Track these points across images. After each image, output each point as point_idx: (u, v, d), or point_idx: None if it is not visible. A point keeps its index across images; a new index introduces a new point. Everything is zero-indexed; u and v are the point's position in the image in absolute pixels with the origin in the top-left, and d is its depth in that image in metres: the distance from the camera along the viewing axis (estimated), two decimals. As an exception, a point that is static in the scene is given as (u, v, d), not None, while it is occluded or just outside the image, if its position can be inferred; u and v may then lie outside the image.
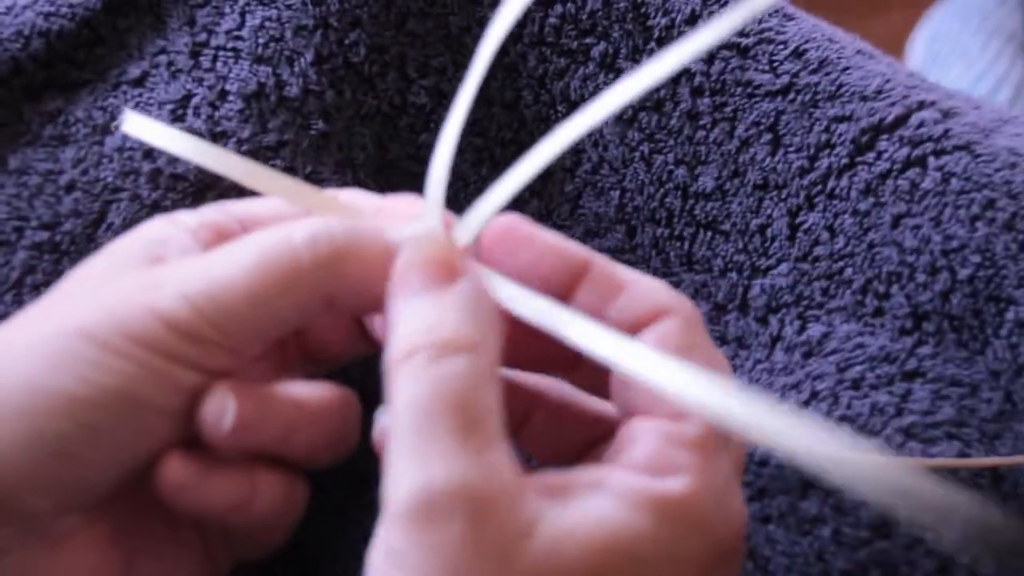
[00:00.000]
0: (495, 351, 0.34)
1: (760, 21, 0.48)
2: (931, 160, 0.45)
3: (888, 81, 0.47)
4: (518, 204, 0.49)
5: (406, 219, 0.38)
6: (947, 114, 0.46)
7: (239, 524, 0.38)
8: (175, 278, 0.35)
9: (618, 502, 0.33)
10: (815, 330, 0.45)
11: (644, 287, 0.36)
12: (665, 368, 0.32)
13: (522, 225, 0.37)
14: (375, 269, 0.36)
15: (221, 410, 0.35)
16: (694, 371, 0.32)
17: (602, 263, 0.37)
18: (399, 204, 0.39)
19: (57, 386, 0.34)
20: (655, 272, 0.48)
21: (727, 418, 0.31)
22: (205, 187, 0.44)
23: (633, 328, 0.36)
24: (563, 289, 0.37)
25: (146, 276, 0.36)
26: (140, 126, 0.39)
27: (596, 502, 0.33)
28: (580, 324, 0.34)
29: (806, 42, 0.47)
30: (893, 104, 0.46)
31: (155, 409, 0.35)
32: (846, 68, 0.47)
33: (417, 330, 0.34)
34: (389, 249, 0.36)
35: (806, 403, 0.43)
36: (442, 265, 0.35)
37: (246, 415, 0.36)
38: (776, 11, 0.48)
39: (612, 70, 0.48)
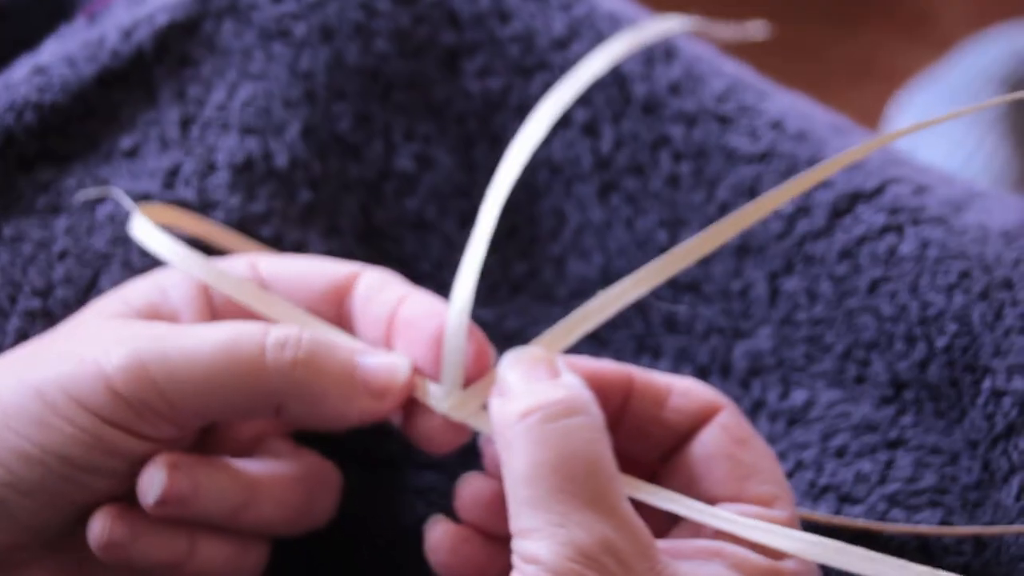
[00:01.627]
0: (602, 416, 0.35)
1: (739, 93, 0.47)
2: (908, 228, 0.44)
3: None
4: (504, 266, 0.47)
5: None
6: (920, 189, 0.45)
7: None
8: (139, 339, 0.36)
9: (739, 573, 0.34)
10: (798, 396, 0.44)
11: (685, 386, 0.38)
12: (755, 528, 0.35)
13: (559, 358, 0.38)
14: (333, 386, 0.37)
15: (149, 484, 0.36)
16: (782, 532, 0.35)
17: (640, 374, 0.39)
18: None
19: (3, 439, 0.35)
20: (637, 336, 0.46)
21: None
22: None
23: (694, 424, 0.38)
24: (616, 407, 0.38)
25: (114, 331, 0.36)
26: (146, 232, 0.40)
27: (718, 569, 0.34)
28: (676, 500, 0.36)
29: (783, 116, 0.47)
30: (870, 175, 0.45)
31: (92, 470, 0.36)
32: (822, 139, 0.46)
33: (531, 394, 0.35)
34: (353, 371, 0.37)
35: (791, 473, 0.42)
36: (548, 363, 0.36)
37: (176, 491, 0.36)
38: (752, 88, 0.48)
39: (594, 135, 0.48)
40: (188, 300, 0.39)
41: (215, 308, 0.39)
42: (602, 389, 0.37)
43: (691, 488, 0.37)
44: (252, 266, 0.40)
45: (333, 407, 0.37)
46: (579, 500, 0.33)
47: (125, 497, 0.37)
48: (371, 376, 0.37)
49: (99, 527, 0.36)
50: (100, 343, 0.36)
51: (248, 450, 0.40)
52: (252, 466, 0.38)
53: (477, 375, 0.37)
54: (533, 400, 0.34)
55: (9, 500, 0.35)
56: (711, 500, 0.36)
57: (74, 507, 0.36)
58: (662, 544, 0.35)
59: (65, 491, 0.36)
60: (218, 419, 0.38)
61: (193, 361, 0.35)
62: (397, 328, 0.38)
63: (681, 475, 0.37)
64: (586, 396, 0.35)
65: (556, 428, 0.34)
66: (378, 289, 0.39)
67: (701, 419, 0.38)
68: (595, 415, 0.35)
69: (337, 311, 0.39)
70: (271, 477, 0.38)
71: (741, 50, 0.52)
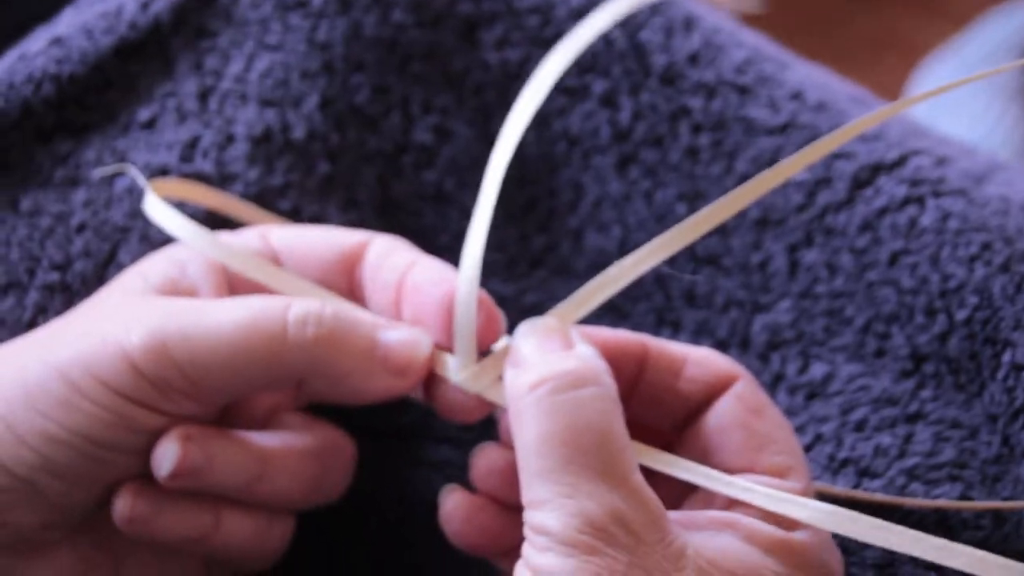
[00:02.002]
0: (615, 386, 0.35)
1: (758, 64, 0.47)
2: (929, 200, 0.43)
3: (885, 126, 0.45)
4: (523, 240, 0.47)
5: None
6: (941, 161, 0.45)
7: (203, 553, 0.38)
8: (159, 316, 0.36)
9: (750, 544, 0.34)
10: (818, 370, 0.44)
11: (701, 356, 0.38)
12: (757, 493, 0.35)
13: (573, 329, 0.37)
14: (354, 363, 0.37)
15: (163, 456, 0.36)
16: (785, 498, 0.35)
17: (655, 343, 0.38)
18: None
19: (29, 421, 0.35)
20: (657, 309, 0.46)
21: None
22: (214, 228, 0.43)
23: (709, 394, 0.37)
24: (630, 376, 0.38)
25: (135, 308, 0.36)
26: (158, 209, 0.40)
27: (729, 540, 0.34)
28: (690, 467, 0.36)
29: (803, 87, 0.46)
30: (891, 147, 0.45)
31: (117, 448, 0.36)
32: (842, 110, 0.46)
33: (542, 365, 0.35)
34: (374, 348, 0.37)
35: (810, 447, 0.42)
36: (562, 333, 0.36)
37: (189, 463, 0.36)
38: (772, 59, 0.47)
39: (612, 106, 0.47)
40: (206, 273, 0.39)
41: (232, 280, 0.39)
42: (617, 359, 0.37)
43: (706, 458, 0.37)
44: (264, 238, 0.40)
45: (354, 384, 0.37)
46: (589, 471, 0.33)
47: (149, 474, 0.37)
48: (392, 353, 0.37)
49: (123, 504, 0.36)
50: (120, 321, 0.36)
51: (263, 422, 0.40)
52: (266, 439, 0.38)
53: (487, 343, 0.37)
54: (545, 371, 0.34)
55: (39, 481, 0.35)
56: (725, 471, 0.36)
57: (101, 485, 0.36)
58: (674, 515, 0.34)
59: (92, 470, 0.36)
60: (240, 396, 0.38)
61: (214, 340, 0.35)
62: (405, 294, 0.38)
63: (696, 445, 0.37)
64: (598, 366, 0.35)
65: (566, 399, 0.34)
66: (386, 256, 0.39)
67: (717, 389, 0.37)
68: (607, 385, 0.35)
69: (348, 280, 0.39)
70: (285, 450, 0.38)
71: (760, 24, 0.51)
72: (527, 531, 0.33)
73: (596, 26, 0.43)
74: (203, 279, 0.38)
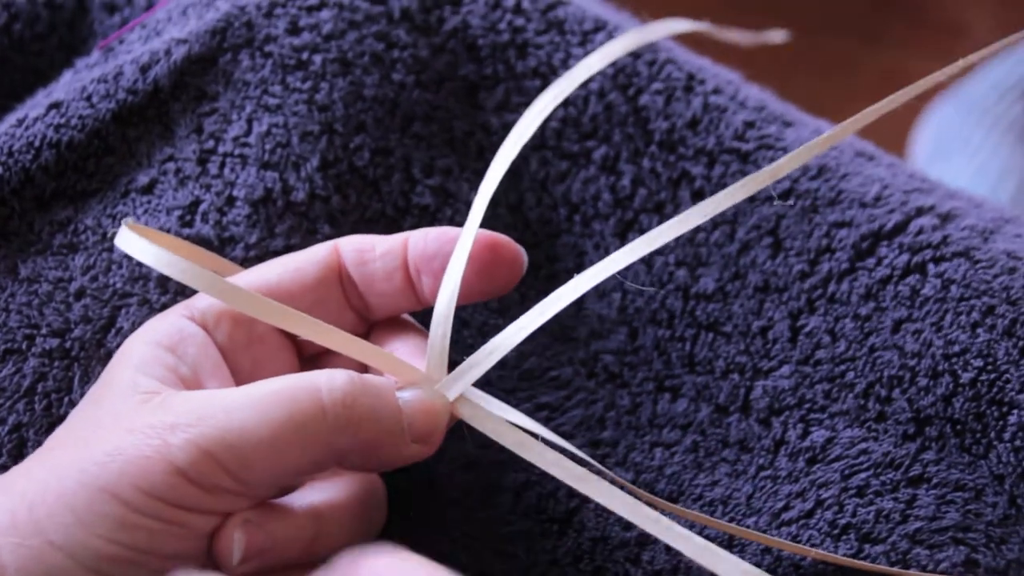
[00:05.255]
0: None
1: (759, 128, 0.48)
2: (931, 267, 0.45)
3: (886, 187, 0.47)
4: (524, 305, 0.48)
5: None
6: (946, 218, 0.46)
7: None
8: (190, 421, 0.37)
9: None
10: (818, 435, 0.45)
11: None
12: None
13: None
14: (387, 433, 0.38)
15: (229, 547, 0.37)
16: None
17: None
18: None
19: (90, 547, 0.36)
20: (656, 376, 0.47)
21: None
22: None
23: None
24: None
25: (160, 414, 0.37)
26: (131, 243, 0.41)
27: None
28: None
29: None
30: (892, 211, 0.46)
31: (175, 555, 0.37)
32: (845, 175, 0.47)
33: None
34: (399, 414, 0.39)
35: (810, 513, 0.43)
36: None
37: (255, 547, 0.37)
38: (775, 118, 0.49)
39: (613, 172, 0.49)
40: (200, 350, 0.40)
41: (224, 351, 0.41)
42: None
43: None
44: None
45: (385, 454, 0.39)
46: None
47: (201, 565, 0.38)
48: (415, 423, 0.39)
49: None
50: (151, 433, 0.36)
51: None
52: (312, 496, 0.40)
53: (513, 280, 0.42)
54: None
55: None
56: None
57: None
58: None
59: None
60: (288, 485, 0.39)
61: (256, 439, 0.36)
62: (419, 267, 0.41)
63: None
64: None
65: None
66: (368, 249, 0.42)
67: None
68: None
69: (341, 287, 0.42)
70: (333, 503, 0.40)
71: (771, 68, 0.53)
72: None
73: (585, 69, 0.45)
74: (200, 358, 0.40)
